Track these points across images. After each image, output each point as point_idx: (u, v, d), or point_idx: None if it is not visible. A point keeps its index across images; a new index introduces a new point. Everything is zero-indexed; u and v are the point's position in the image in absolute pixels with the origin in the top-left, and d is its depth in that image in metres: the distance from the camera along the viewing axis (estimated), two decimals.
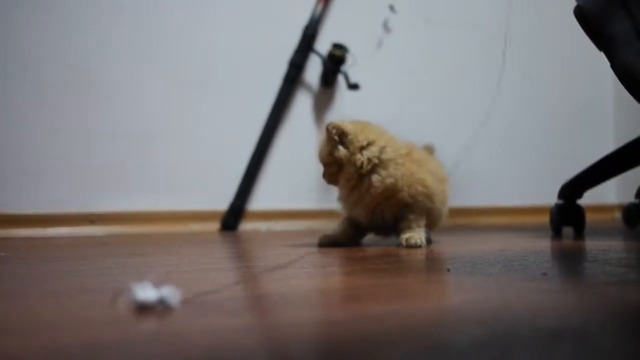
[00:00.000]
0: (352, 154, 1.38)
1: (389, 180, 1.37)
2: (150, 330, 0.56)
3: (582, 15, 1.46)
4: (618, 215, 2.69)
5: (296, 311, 0.66)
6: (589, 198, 1.79)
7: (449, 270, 0.94)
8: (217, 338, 0.52)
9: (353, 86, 2.42)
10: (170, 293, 0.65)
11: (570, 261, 1.19)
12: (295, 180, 2.41)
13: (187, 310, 0.66)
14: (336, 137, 1.38)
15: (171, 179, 2.32)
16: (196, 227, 2.30)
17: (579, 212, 1.76)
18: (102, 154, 2.23)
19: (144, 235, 2.04)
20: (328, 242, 1.45)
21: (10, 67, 2.13)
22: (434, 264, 1.03)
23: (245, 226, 2.36)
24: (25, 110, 2.15)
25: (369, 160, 1.37)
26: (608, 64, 1.43)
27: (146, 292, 0.64)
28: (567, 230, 1.77)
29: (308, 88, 2.55)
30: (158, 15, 2.35)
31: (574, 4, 1.49)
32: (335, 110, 2.55)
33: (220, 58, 2.43)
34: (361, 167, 1.37)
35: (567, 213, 1.76)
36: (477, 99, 2.84)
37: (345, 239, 1.45)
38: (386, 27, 2.70)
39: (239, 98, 2.44)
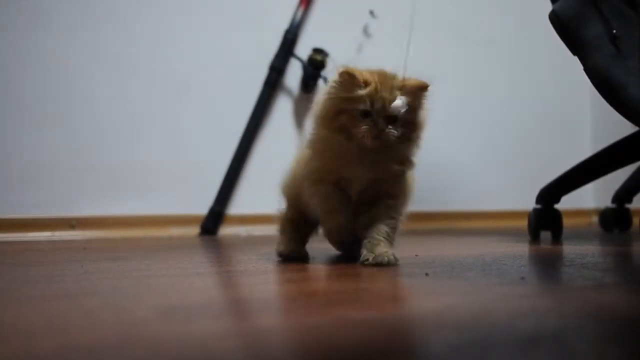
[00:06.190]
0: None
1: None
2: (127, 335, 0.56)
3: (557, 19, 1.47)
4: (595, 219, 2.71)
5: (274, 316, 0.66)
6: (567, 203, 1.81)
7: (427, 274, 0.94)
8: (194, 343, 0.52)
9: None
10: None
11: (547, 265, 1.20)
12: (276, 185, 2.41)
13: (165, 314, 0.65)
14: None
15: (151, 184, 2.30)
16: (176, 231, 2.29)
17: (557, 216, 1.77)
18: (82, 158, 2.22)
19: (124, 240, 2.03)
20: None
21: None
22: (412, 268, 1.03)
23: (225, 230, 2.35)
24: (5, 115, 2.13)
25: None
26: None
27: None
28: (545, 235, 1.78)
29: (288, 93, 2.54)
30: (139, 19, 2.34)
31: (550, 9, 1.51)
32: None
33: (201, 62, 2.42)
34: None
35: (545, 217, 1.77)
36: (458, 103, 2.86)
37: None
38: (366, 32, 2.71)
39: (220, 102, 2.44)
